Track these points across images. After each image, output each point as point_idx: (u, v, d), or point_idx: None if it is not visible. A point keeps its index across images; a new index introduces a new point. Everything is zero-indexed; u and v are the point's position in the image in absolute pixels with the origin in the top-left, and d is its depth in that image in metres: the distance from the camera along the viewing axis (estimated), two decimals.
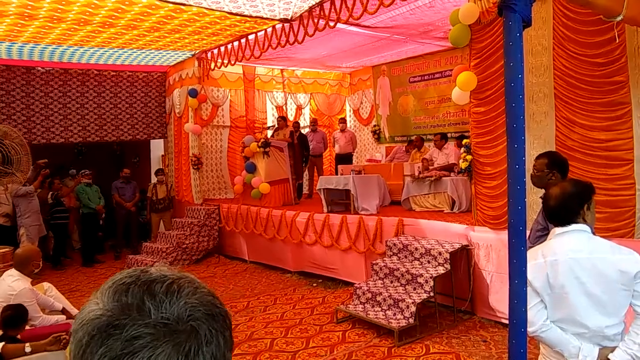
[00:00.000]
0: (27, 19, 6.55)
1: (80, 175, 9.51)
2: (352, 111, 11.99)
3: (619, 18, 2.62)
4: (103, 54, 8.93)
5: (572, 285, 2.06)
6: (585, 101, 4.41)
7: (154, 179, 10.14)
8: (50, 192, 8.93)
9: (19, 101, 9.36)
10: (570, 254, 2.08)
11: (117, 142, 11.12)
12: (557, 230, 2.18)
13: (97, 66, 9.92)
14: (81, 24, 6.91)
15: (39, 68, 9.53)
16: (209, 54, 9.26)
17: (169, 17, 6.85)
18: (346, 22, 6.64)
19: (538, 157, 3.32)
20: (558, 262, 2.09)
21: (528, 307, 2.16)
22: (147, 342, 0.57)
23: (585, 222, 2.14)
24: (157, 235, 9.39)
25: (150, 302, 0.59)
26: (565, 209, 2.16)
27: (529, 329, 2.16)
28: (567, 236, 2.13)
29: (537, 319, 2.13)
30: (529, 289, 2.14)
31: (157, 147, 11.78)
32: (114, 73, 10.28)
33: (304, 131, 10.59)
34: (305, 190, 10.15)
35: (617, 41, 4.11)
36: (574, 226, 2.12)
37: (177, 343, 0.57)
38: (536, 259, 2.15)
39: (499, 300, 4.89)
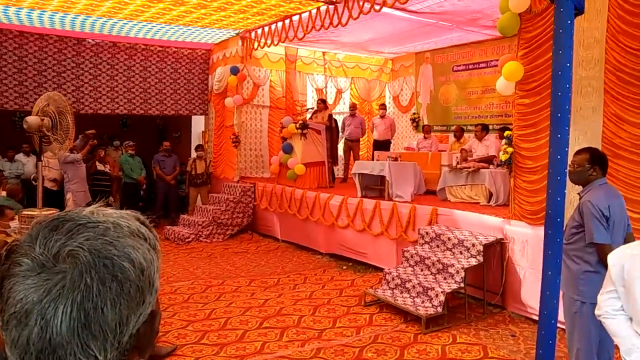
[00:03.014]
0: None
1: (125, 146, 9.84)
2: (391, 98, 11.88)
3: None
4: (151, 29, 9.14)
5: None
6: (637, 98, 4.25)
7: (193, 154, 10.38)
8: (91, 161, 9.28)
9: (70, 71, 9.69)
10: None
11: (161, 116, 11.41)
12: None
13: (145, 41, 10.14)
14: None
15: (89, 40, 9.82)
16: (253, 34, 9.33)
17: None
18: (392, 6, 6.56)
19: (578, 153, 3.22)
20: (637, 256, 1.98)
21: (602, 291, 2.11)
22: (22, 271, 0.61)
23: None
24: (195, 208, 9.65)
25: (44, 237, 0.62)
26: None
27: (596, 312, 2.12)
28: None
29: (604, 305, 2.07)
30: (607, 274, 2.08)
31: (198, 124, 12.01)
32: (160, 48, 10.50)
33: (342, 116, 10.60)
34: (340, 174, 10.18)
35: None
36: None
37: (45, 279, 0.60)
38: (625, 249, 2.07)
39: (532, 296, 4.82)
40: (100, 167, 9.38)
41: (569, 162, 3.22)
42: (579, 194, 3.24)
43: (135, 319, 0.65)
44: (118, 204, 10.10)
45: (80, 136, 8.60)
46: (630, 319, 2.02)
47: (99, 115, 10.11)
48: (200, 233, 8.79)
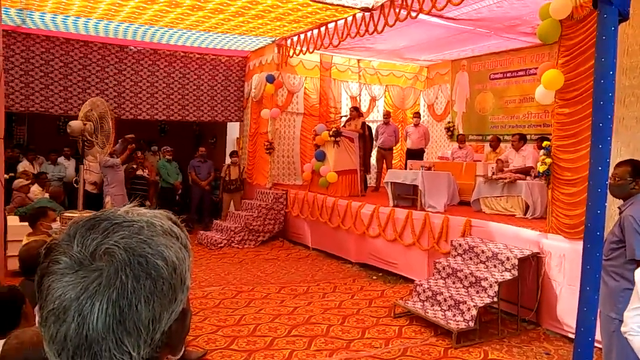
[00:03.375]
0: None
1: (162, 151, 10.07)
2: (426, 106, 11.75)
3: None
4: (190, 36, 9.35)
5: None
6: None
7: (228, 160, 10.52)
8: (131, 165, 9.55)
9: (112, 77, 10.01)
10: None
11: (197, 122, 11.63)
12: None
13: (184, 48, 10.38)
14: (172, 6, 7.28)
15: (132, 47, 10.13)
16: (289, 41, 9.42)
17: (253, 2, 7.04)
18: (428, 13, 6.49)
19: (619, 165, 3.11)
20: None
21: (629, 308, 2.07)
22: (60, 268, 0.63)
23: None
24: (227, 214, 9.76)
25: (81, 236, 0.64)
26: None
27: (622, 329, 2.10)
28: None
29: (630, 321, 2.02)
30: (635, 292, 2.04)
31: (233, 130, 12.19)
32: (199, 56, 10.72)
33: (375, 124, 10.56)
34: (372, 182, 10.12)
35: None
36: None
37: (82, 277, 0.61)
38: None
39: (568, 313, 4.63)
40: (138, 171, 9.62)
41: (610, 175, 3.10)
42: (619, 207, 3.10)
43: (168, 316, 0.66)
44: (154, 207, 10.32)
45: (119, 141, 8.86)
46: None
47: (139, 121, 10.40)
48: (232, 239, 8.88)
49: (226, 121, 11.53)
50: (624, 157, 4.36)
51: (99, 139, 5.58)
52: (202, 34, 9.15)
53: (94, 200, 8.46)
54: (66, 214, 5.38)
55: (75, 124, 5.33)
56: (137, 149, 9.63)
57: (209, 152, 10.94)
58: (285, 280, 6.81)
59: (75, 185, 8.43)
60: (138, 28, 8.78)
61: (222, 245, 8.76)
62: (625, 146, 4.43)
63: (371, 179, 10.19)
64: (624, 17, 2.28)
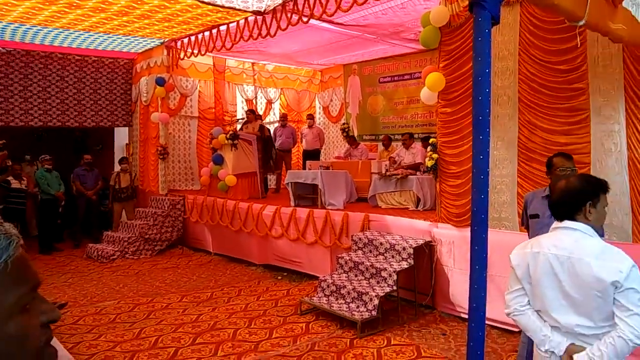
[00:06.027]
0: None
1: (40, 160, 9.21)
2: (321, 108, 12.06)
3: (581, 22, 2.75)
4: (68, 36, 8.65)
5: (548, 280, 2.06)
6: (547, 105, 4.60)
7: (117, 168, 9.91)
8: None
9: None
10: (553, 249, 2.06)
11: (80, 128, 10.82)
12: (554, 224, 2.16)
13: (61, 49, 9.59)
14: (46, 3, 6.70)
15: (1, 49, 9.16)
16: (179, 43, 9.12)
17: (138, 2, 6.72)
18: (319, 18, 6.68)
19: (568, 158, 3.41)
20: (539, 254, 2.09)
21: (508, 291, 2.21)
22: None
23: (587, 220, 2.06)
24: (120, 224, 9.19)
25: None
26: (564, 204, 2.11)
27: (505, 311, 2.24)
28: (559, 232, 2.10)
29: (512, 303, 2.19)
30: (512, 274, 2.19)
31: (121, 136, 11.49)
32: (79, 57, 9.99)
33: (273, 126, 10.60)
34: (272, 184, 10.14)
35: (579, 49, 4.30)
36: (567, 223, 2.08)
37: None
38: (524, 247, 2.18)
39: (459, 295, 5.04)
40: (14, 184, 8.70)
41: (559, 167, 3.36)
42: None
43: None
44: (35, 221, 9.42)
45: None
46: (538, 312, 2.15)
47: (11, 128, 9.42)
48: (126, 250, 8.38)
49: (113, 126, 10.85)
50: (500, 149, 4.87)
51: None
52: (82, 34, 8.52)
53: None
54: None
55: None
56: (9, 158, 8.69)
57: (95, 159, 10.20)
58: (187, 288, 6.58)
59: None
60: (6, 26, 7.95)
61: (114, 257, 8.23)
62: (501, 140, 4.92)
63: (271, 181, 10.20)
64: (496, 20, 2.53)
